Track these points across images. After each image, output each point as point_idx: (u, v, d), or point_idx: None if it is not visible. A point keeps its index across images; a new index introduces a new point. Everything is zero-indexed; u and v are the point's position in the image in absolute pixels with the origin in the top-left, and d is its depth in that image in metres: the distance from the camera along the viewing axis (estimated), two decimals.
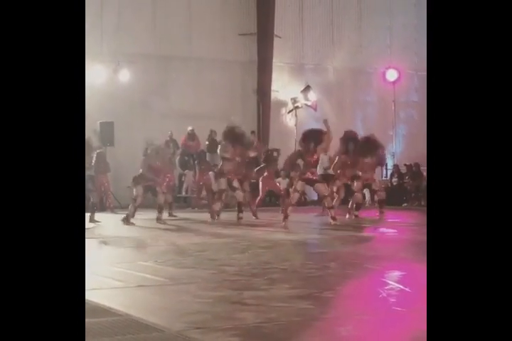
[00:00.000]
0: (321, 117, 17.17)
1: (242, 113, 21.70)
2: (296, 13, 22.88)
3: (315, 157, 12.76)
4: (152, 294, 5.63)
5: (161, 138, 15.93)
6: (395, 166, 21.59)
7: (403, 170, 21.04)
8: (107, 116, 18.60)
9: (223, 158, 13.77)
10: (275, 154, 16.55)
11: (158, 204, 13.75)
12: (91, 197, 13.18)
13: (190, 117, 20.04)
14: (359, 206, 14.51)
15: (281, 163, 16.25)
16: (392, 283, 5.87)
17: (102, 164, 16.61)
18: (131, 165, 14.70)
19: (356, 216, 14.25)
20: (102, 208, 16.92)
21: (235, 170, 13.65)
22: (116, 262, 7.58)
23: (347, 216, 14.23)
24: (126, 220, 13.33)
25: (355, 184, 14.27)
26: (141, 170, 13.72)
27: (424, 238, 3.54)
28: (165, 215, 14.34)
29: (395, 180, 20.86)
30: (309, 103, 21.90)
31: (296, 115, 22.11)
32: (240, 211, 13.48)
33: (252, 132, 20.88)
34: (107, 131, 18.70)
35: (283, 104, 22.51)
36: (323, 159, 15.06)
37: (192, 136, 19.92)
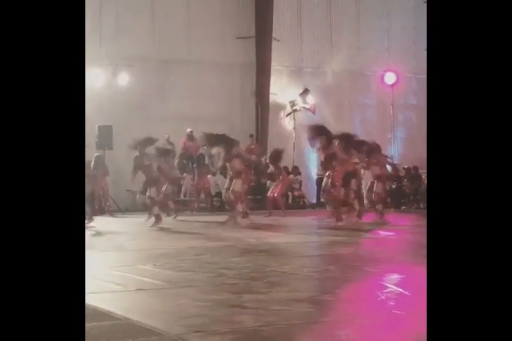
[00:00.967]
0: (320, 120, 17.21)
1: (240, 116, 21.73)
2: (295, 17, 22.87)
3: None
4: (151, 298, 5.63)
5: (159, 141, 15.88)
6: (394, 169, 21.54)
7: (402, 173, 21.03)
8: (105, 119, 18.58)
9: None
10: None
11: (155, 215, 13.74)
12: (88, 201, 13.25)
13: (189, 120, 20.01)
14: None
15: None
16: (392, 286, 5.87)
17: (101, 167, 16.59)
18: (129, 169, 14.66)
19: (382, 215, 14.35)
20: (101, 212, 16.90)
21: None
22: (115, 266, 7.57)
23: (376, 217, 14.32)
24: (156, 223, 13.41)
25: (376, 185, 14.42)
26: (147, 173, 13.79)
27: (424, 241, 3.54)
28: (165, 218, 14.33)
29: (393, 182, 20.84)
30: (308, 106, 21.91)
31: (294, 118, 22.10)
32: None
33: (251, 135, 20.93)
34: (106, 134, 18.70)
35: (281, 107, 22.49)
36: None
37: (191, 137, 19.92)
